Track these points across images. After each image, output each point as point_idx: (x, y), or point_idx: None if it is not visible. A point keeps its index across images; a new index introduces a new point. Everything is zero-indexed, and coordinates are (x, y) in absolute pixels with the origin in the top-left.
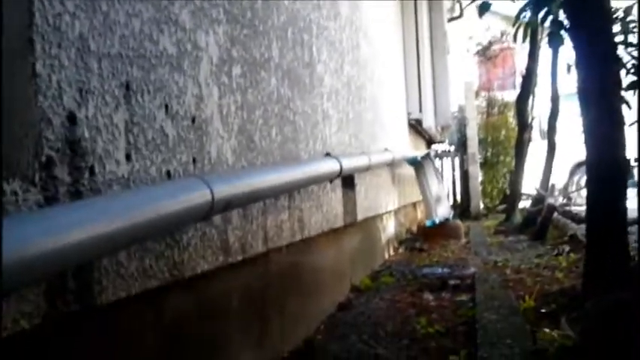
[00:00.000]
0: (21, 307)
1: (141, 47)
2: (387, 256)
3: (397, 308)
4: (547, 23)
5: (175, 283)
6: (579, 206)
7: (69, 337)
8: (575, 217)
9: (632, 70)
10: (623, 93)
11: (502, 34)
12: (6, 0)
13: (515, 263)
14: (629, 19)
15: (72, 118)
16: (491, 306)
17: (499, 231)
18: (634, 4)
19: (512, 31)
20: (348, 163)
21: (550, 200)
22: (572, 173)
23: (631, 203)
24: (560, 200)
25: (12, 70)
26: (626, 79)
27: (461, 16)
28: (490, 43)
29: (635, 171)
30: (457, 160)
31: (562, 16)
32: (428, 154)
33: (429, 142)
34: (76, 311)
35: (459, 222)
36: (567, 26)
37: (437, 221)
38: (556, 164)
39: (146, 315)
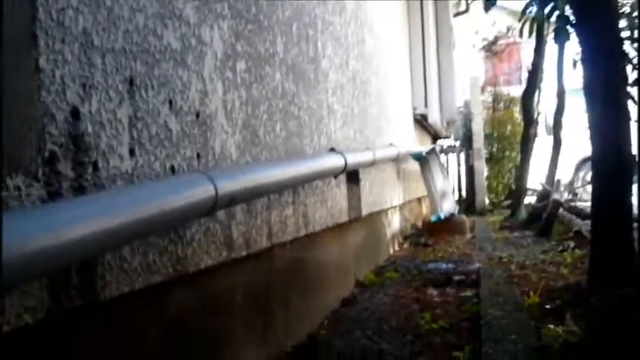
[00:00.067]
0: (24, 301)
1: (145, 42)
2: (391, 251)
3: (401, 304)
4: (553, 18)
5: (179, 279)
6: (585, 202)
7: (72, 331)
8: (580, 213)
9: (638, 66)
10: (629, 89)
11: (508, 29)
12: None
13: (520, 259)
14: (635, 14)
15: (75, 114)
16: (496, 302)
17: (504, 226)
18: None
19: (518, 26)
20: (353, 159)
21: (555, 196)
22: (577, 169)
23: (636, 199)
24: (566, 196)
25: (15, 65)
26: (632, 74)
27: (467, 11)
28: (496, 38)
29: None
30: (462, 156)
31: (568, 11)
32: (433, 149)
33: (435, 137)
34: (79, 306)
35: (464, 217)
36: (573, 21)
37: (442, 216)
38: (562, 160)
39: (149, 310)
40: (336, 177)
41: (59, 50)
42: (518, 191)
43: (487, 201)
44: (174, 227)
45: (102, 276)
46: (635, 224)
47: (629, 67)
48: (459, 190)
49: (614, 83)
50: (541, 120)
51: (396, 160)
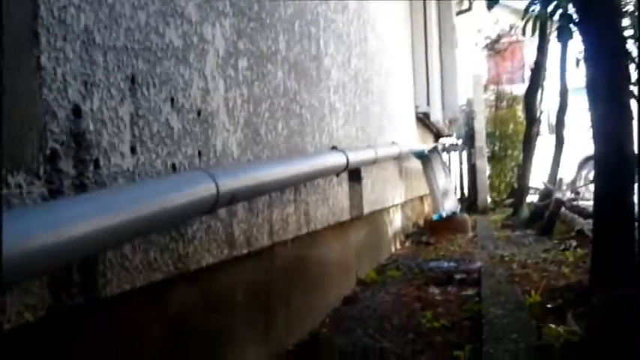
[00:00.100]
0: (25, 299)
1: (147, 40)
2: (393, 249)
3: (403, 302)
4: (556, 17)
5: (180, 276)
6: (587, 201)
7: (73, 329)
8: (582, 212)
9: None
10: (632, 87)
11: (511, 28)
12: None
13: (521, 258)
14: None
15: (77, 111)
16: (497, 301)
17: (506, 225)
18: None
19: (521, 24)
20: (355, 157)
21: (558, 195)
22: (580, 167)
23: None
24: (568, 195)
25: (16, 63)
26: (635, 73)
27: (470, 9)
28: (499, 37)
29: None
30: (465, 154)
31: (571, 9)
32: (435, 148)
33: (437, 135)
34: (80, 304)
35: (466, 216)
36: (576, 20)
37: (444, 215)
38: (564, 158)
39: (151, 308)
40: (337, 175)
41: (61, 48)
42: (520, 190)
43: (489, 200)
44: (176, 225)
45: (103, 274)
46: (637, 224)
47: (632, 66)
48: (461, 188)
49: (617, 82)
50: (544, 119)
51: (398, 158)
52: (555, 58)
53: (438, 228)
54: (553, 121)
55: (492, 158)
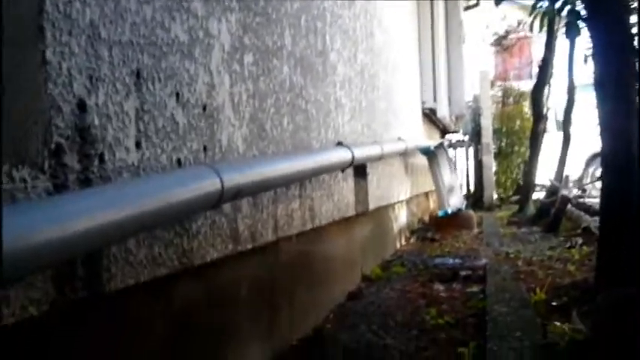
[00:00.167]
0: (29, 293)
1: (152, 35)
2: (398, 245)
3: (407, 298)
4: (564, 13)
5: (184, 271)
6: (594, 198)
7: (77, 323)
8: (589, 209)
9: None
10: None
11: (519, 24)
12: None
13: (527, 255)
14: None
15: (82, 106)
16: (502, 298)
17: (512, 222)
18: None
19: (529, 20)
20: (360, 153)
21: (564, 192)
22: (587, 165)
23: None
24: (575, 192)
25: (22, 58)
26: None
27: (477, 4)
28: (507, 33)
29: None
30: (471, 150)
31: (579, 5)
32: (441, 144)
33: (443, 131)
34: (84, 298)
35: (471, 212)
36: (584, 16)
37: (449, 211)
38: (571, 155)
39: (155, 303)
40: (343, 171)
41: (66, 42)
42: (526, 187)
43: (495, 196)
44: (180, 220)
45: (107, 268)
46: None
47: None
48: (467, 184)
49: (625, 79)
50: (551, 115)
51: (404, 154)
52: (563, 55)
53: (443, 224)
54: (560, 117)
55: (499, 155)
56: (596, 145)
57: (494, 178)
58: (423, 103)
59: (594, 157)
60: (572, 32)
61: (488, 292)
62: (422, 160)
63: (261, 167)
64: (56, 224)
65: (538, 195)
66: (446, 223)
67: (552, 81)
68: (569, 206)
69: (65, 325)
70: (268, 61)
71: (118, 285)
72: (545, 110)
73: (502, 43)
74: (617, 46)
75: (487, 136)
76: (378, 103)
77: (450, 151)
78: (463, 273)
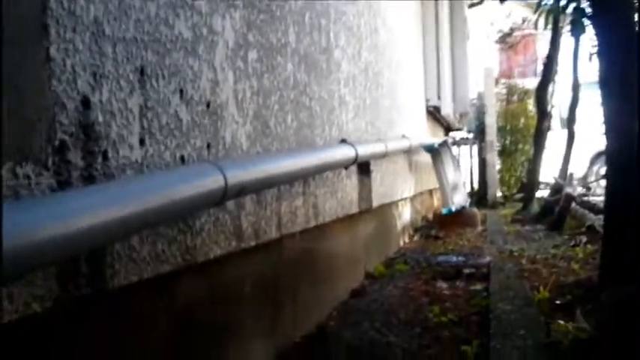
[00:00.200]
0: (33, 290)
1: (156, 31)
2: (401, 243)
3: (410, 296)
4: (569, 10)
5: (188, 268)
6: (598, 196)
7: (80, 320)
8: (593, 208)
9: None
10: None
11: (523, 21)
12: None
13: (531, 253)
14: None
15: (86, 103)
16: (506, 296)
17: (516, 220)
18: None
19: (533, 17)
20: (364, 150)
21: (568, 190)
22: (592, 163)
23: None
24: (579, 190)
25: (26, 55)
26: None
27: (482, 1)
28: (511, 30)
29: None
30: (475, 148)
31: (584, 3)
32: (445, 142)
33: (447, 129)
34: (87, 295)
35: (475, 210)
36: (590, 14)
37: (453, 209)
38: (575, 153)
39: (158, 299)
40: (346, 168)
41: (70, 39)
42: (530, 184)
43: (499, 194)
44: (184, 217)
45: (111, 265)
46: None
47: None
48: (471, 182)
49: (629, 77)
50: (555, 113)
51: (408, 151)
52: (568, 53)
53: (447, 222)
54: (565, 115)
55: (503, 152)
56: (600, 143)
57: (498, 176)
58: (427, 100)
59: (599, 155)
60: (577, 30)
61: (492, 290)
62: (426, 158)
63: (265, 164)
64: (60, 221)
65: (542, 193)
66: (450, 221)
67: (557, 79)
68: (573, 204)
69: (68, 321)
70: (272, 58)
71: (122, 282)
72: (549, 108)
73: (507, 41)
74: (622, 45)
75: (491, 134)
76: (382, 100)
77: (454, 148)
78: (467, 271)
